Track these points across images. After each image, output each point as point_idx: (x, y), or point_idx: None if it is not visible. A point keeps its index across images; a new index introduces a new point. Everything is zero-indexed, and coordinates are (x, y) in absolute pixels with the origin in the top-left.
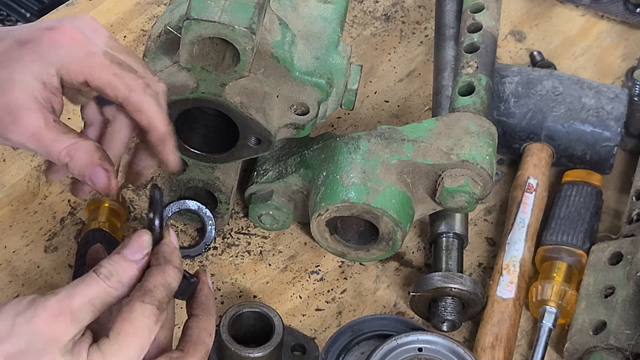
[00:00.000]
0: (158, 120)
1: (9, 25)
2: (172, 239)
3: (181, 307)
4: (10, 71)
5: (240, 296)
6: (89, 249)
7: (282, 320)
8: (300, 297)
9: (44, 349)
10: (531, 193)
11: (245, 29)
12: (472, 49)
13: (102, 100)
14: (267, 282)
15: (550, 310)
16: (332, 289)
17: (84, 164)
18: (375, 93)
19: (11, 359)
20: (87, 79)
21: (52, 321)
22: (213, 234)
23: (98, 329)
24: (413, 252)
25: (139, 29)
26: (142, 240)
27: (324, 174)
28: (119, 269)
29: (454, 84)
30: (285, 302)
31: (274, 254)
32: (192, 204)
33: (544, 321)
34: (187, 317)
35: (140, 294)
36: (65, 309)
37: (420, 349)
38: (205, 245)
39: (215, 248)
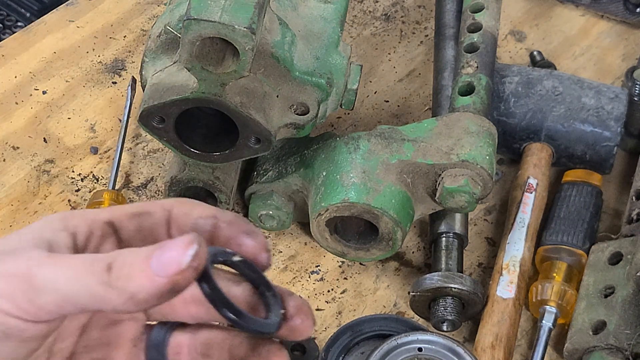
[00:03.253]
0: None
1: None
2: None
3: None
4: None
5: None
6: None
7: None
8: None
9: None
10: (531, 193)
11: (245, 29)
12: (472, 48)
13: None
14: None
15: (550, 310)
16: (332, 289)
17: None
18: (375, 93)
19: None
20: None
21: None
22: None
23: None
24: (413, 252)
25: (139, 29)
26: None
27: (324, 173)
28: None
29: (454, 84)
30: None
31: (274, 254)
32: None
33: (544, 321)
34: None
35: None
36: None
37: (420, 349)
38: None
39: None
